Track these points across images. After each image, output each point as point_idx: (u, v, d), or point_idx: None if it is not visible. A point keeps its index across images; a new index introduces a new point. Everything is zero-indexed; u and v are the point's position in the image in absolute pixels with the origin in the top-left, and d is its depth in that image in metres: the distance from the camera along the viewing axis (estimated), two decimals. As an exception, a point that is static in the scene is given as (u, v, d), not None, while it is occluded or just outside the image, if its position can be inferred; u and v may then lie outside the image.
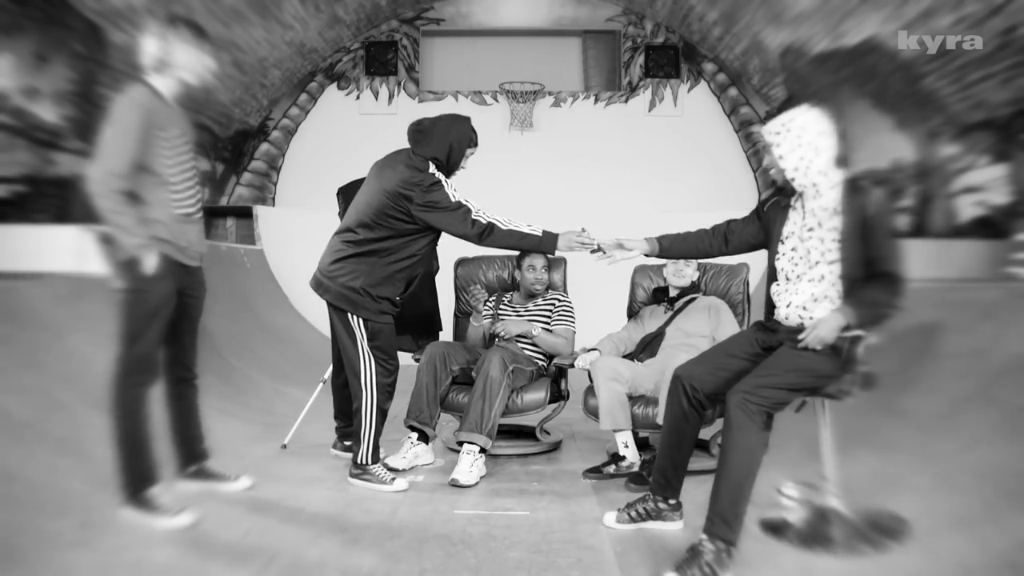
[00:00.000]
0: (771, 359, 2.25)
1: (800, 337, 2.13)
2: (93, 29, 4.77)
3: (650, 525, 2.35)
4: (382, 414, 2.87)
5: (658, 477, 2.40)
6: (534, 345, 3.46)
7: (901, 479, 2.67)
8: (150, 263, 2.26)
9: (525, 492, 2.81)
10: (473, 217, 2.71)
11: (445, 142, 2.83)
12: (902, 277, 2.13)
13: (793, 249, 2.29)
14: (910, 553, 2.09)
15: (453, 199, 2.73)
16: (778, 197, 2.40)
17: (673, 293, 3.46)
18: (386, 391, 2.87)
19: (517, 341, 3.49)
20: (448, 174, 2.86)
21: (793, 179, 2.23)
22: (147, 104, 2.28)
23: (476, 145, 2.98)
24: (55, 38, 4.46)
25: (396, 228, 2.77)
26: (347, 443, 3.24)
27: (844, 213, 2.19)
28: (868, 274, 2.16)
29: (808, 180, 2.22)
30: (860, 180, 2.22)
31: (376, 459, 2.91)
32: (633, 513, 2.38)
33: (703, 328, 3.24)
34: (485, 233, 2.71)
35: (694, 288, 3.46)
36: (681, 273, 3.44)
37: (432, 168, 2.77)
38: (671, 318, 3.34)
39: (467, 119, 2.96)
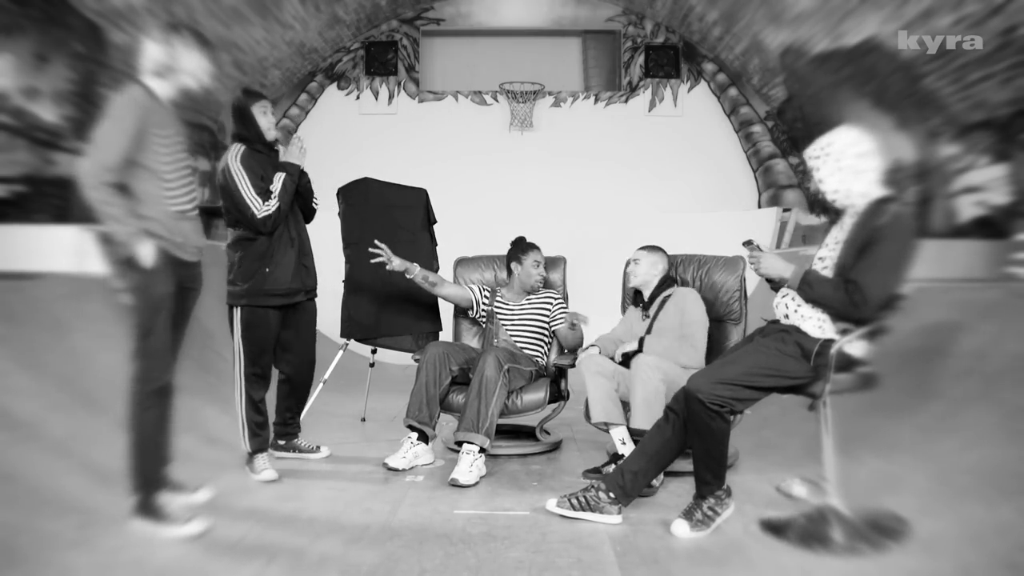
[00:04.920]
0: (740, 352, 2.36)
1: (757, 249, 2.38)
2: (93, 29, 4.77)
3: (587, 515, 2.41)
4: (252, 403, 3.01)
5: (617, 476, 2.44)
6: (536, 344, 3.48)
7: (901, 479, 2.67)
8: (147, 255, 2.24)
9: (525, 492, 2.81)
10: (259, 215, 2.91)
11: (233, 111, 3.02)
12: (867, 295, 2.14)
13: (821, 259, 2.35)
14: (910, 553, 2.09)
15: (244, 190, 2.90)
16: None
17: (645, 298, 3.29)
18: (252, 381, 3.03)
19: (516, 341, 3.50)
20: (260, 138, 3.00)
21: (835, 200, 2.31)
22: (144, 103, 2.28)
23: (262, 97, 3.06)
24: (55, 38, 4.46)
25: (235, 219, 3.00)
26: (281, 442, 3.26)
27: (856, 224, 2.23)
28: (845, 278, 2.21)
29: (849, 201, 2.29)
30: (889, 199, 2.24)
31: (256, 447, 2.99)
32: (575, 501, 2.44)
33: (673, 330, 3.11)
34: (264, 223, 2.92)
35: (666, 284, 3.26)
36: (634, 273, 3.29)
37: (233, 157, 2.92)
38: (649, 327, 3.20)
39: None
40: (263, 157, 3.00)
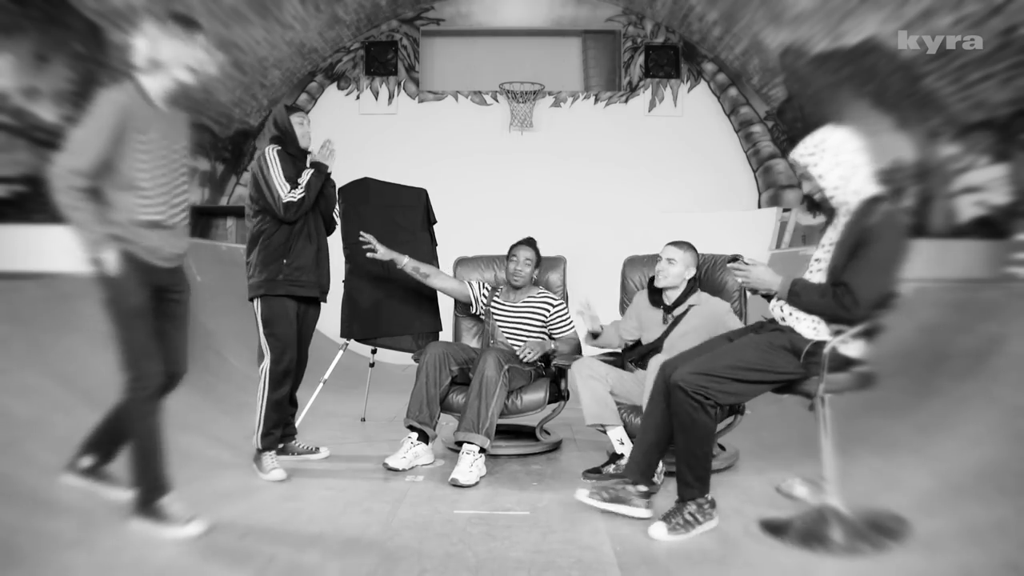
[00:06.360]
0: (730, 346, 2.37)
1: (744, 263, 2.36)
2: (93, 29, 4.77)
3: (615, 507, 2.43)
4: (273, 402, 3.02)
5: (632, 465, 2.48)
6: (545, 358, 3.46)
7: (901, 479, 2.67)
8: (111, 262, 2.17)
9: (525, 492, 2.81)
10: (285, 198, 3.03)
11: (273, 120, 3.27)
12: (858, 297, 2.14)
13: (817, 260, 2.35)
14: (910, 553, 2.09)
15: (276, 176, 3.05)
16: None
17: (669, 299, 3.19)
18: (277, 379, 3.04)
19: (511, 342, 3.49)
20: (295, 143, 3.19)
21: (833, 197, 2.29)
22: (126, 105, 2.20)
23: (298, 110, 3.33)
24: (55, 38, 4.46)
25: (259, 208, 3.11)
26: (280, 445, 3.22)
27: (848, 224, 2.23)
28: (835, 280, 2.21)
29: (845, 198, 2.28)
30: (880, 199, 2.23)
31: (267, 446, 3.00)
32: (605, 494, 2.45)
33: (695, 332, 3.04)
34: (287, 208, 3.04)
35: (691, 290, 3.18)
36: (664, 273, 3.15)
37: (270, 149, 3.11)
38: (667, 332, 3.14)
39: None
40: (293, 160, 3.17)
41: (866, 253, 2.16)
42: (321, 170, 3.15)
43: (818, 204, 2.39)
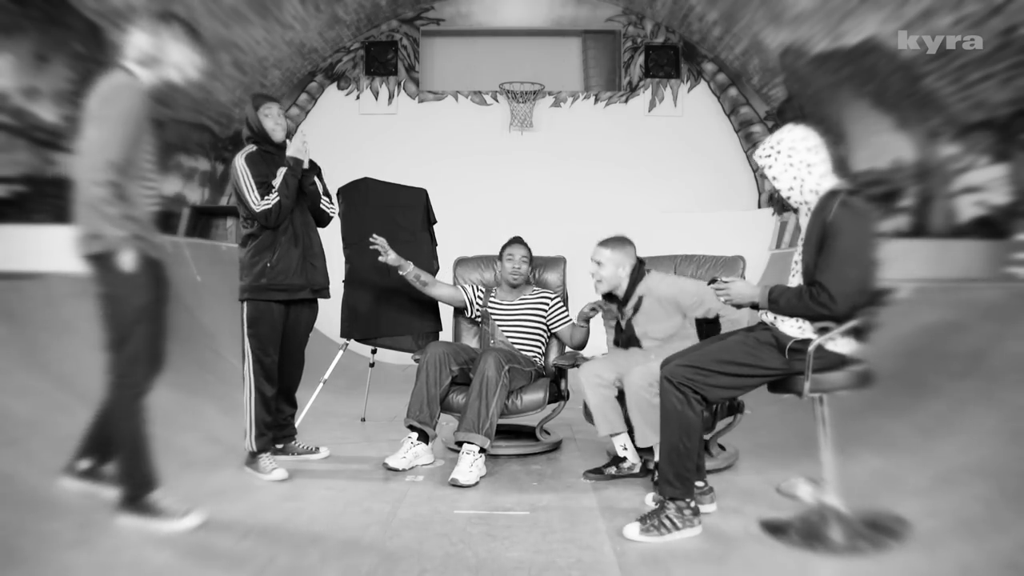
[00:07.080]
0: (720, 342, 2.38)
1: (722, 282, 2.36)
2: (93, 29, 4.76)
3: (674, 536, 2.26)
4: (261, 404, 3.00)
5: (667, 480, 2.34)
6: (533, 343, 3.47)
7: (901, 479, 2.67)
8: (128, 261, 2.17)
9: (525, 492, 2.81)
10: (258, 208, 3.00)
11: (245, 119, 3.19)
12: (832, 293, 2.13)
13: (796, 262, 2.35)
14: (910, 553, 2.09)
15: (247, 187, 3.02)
16: None
17: (620, 296, 3.13)
18: (261, 380, 3.02)
19: (511, 340, 3.49)
20: (266, 139, 3.12)
21: (789, 198, 2.30)
22: (142, 93, 2.22)
23: (267, 99, 3.21)
24: (55, 38, 4.46)
25: (245, 215, 3.10)
26: (278, 446, 3.22)
27: (809, 222, 2.25)
28: (809, 280, 2.21)
29: (803, 198, 2.28)
30: (836, 192, 2.22)
31: (262, 447, 2.99)
32: (652, 525, 2.28)
33: (667, 329, 3.05)
34: (265, 216, 3.01)
35: (637, 279, 3.07)
36: (598, 277, 3.09)
37: (239, 157, 3.07)
38: (628, 323, 3.10)
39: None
40: (272, 157, 3.11)
41: (830, 248, 2.15)
42: (293, 168, 3.05)
43: (782, 204, 2.41)
